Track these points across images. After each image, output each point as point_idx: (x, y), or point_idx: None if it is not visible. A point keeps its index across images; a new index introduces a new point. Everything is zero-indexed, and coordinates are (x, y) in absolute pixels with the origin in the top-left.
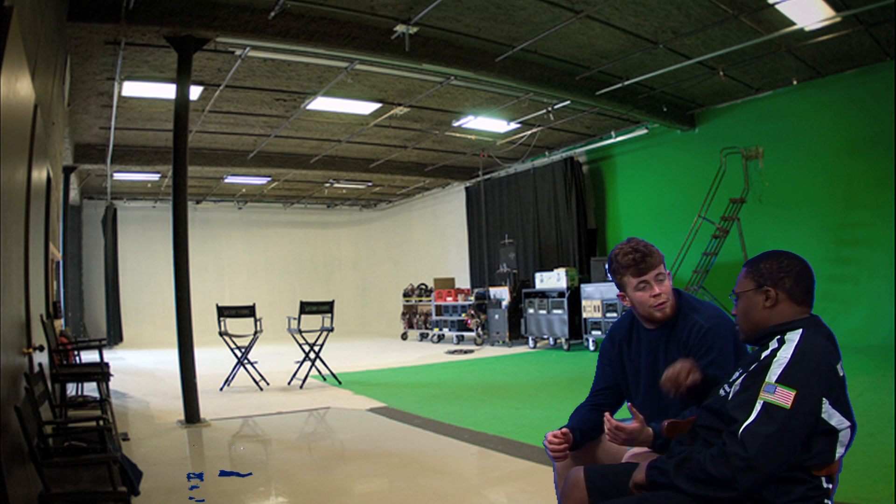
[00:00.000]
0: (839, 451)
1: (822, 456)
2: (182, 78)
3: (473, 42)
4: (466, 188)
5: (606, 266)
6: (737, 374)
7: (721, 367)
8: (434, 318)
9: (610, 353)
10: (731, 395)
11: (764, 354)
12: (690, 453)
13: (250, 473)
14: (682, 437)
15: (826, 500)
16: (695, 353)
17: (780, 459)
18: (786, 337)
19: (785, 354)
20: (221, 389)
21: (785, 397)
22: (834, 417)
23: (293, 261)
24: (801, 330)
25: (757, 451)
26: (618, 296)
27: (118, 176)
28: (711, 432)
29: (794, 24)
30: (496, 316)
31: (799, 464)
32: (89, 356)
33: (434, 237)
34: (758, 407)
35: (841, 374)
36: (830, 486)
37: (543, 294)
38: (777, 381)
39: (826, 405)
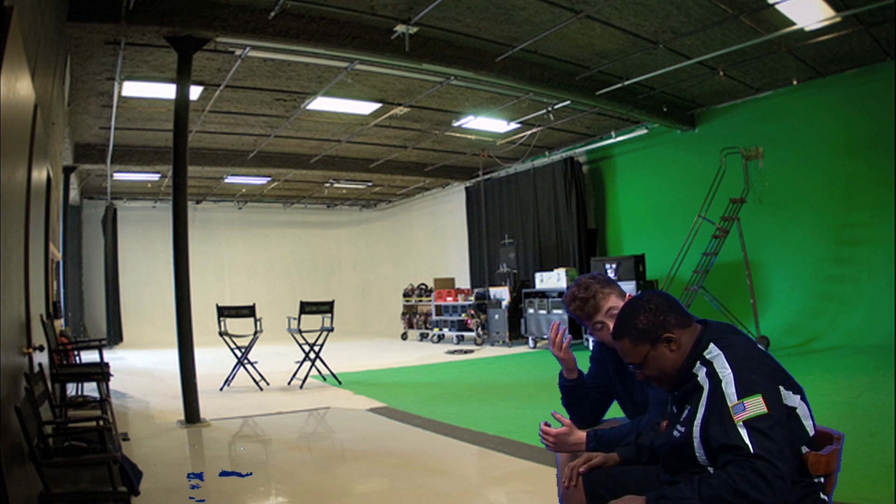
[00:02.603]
0: (808, 424)
1: (797, 438)
2: (182, 78)
3: (473, 42)
4: (466, 188)
5: None
6: (686, 411)
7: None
8: (434, 318)
9: (598, 356)
10: (696, 431)
11: (703, 381)
12: (706, 479)
13: (250, 473)
14: (667, 464)
15: (822, 496)
16: None
17: (789, 458)
18: (707, 358)
19: (726, 372)
20: (221, 389)
21: (757, 405)
22: (788, 398)
23: (293, 261)
24: (711, 343)
25: (783, 463)
26: (589, 333)
27: (118, 176)
28: (690, 471)
29: (794, 24)
30: (496, 316)
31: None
32: (89, 356)
33: (434, 237)
34: (743, 430)
35: (768, 354)
36: (821, 479)
37: (543, 294)
38: (740, 398)
39: (782, 390)
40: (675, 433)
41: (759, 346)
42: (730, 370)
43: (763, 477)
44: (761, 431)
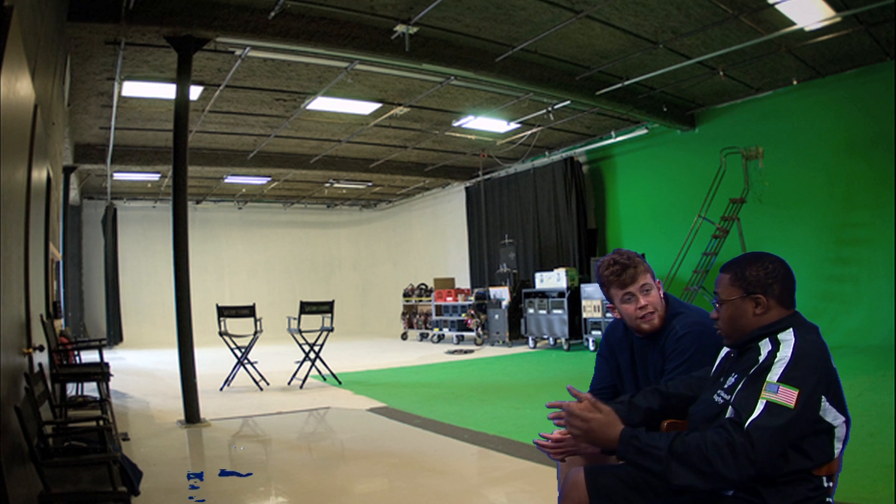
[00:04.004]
0: (837, 447)
1: (822, 456)
2: (182, 78)
3: (473, 42)
4: (466, 188)
5: (596, 280)
6: (731, 378)
7: (688, 373)
8: (434, 318)
9: (606, 354)
10: (733, 399)
11: (762, 357)
12: (681, 437)
13: (250, 473)
14: None
15: (828, 500)
16: (670, 359)
17: (775, 457)
18: (779, 338)
19: (785, 354)
20: (221, 389)
21: (788, 396)
22: (830, 413)
23: (293, 261)
24: (791, 329)
25: (763, 450)
26: (608, 307)
27: (118, 176)
28: None
29: (794, 24)
30: (496, 316)
31: (802, 469)
32: (89, 356)
33: (434, 237)
34: (760, 406)
35: (834, 369)
36: (831, 484)
37: (543, 294)
38: (779, 381)
39: (824, 402)
40: (717, 399)
41: (833, 362)
42: (789, 355)
43: (734, 452)
44: (772, 417)
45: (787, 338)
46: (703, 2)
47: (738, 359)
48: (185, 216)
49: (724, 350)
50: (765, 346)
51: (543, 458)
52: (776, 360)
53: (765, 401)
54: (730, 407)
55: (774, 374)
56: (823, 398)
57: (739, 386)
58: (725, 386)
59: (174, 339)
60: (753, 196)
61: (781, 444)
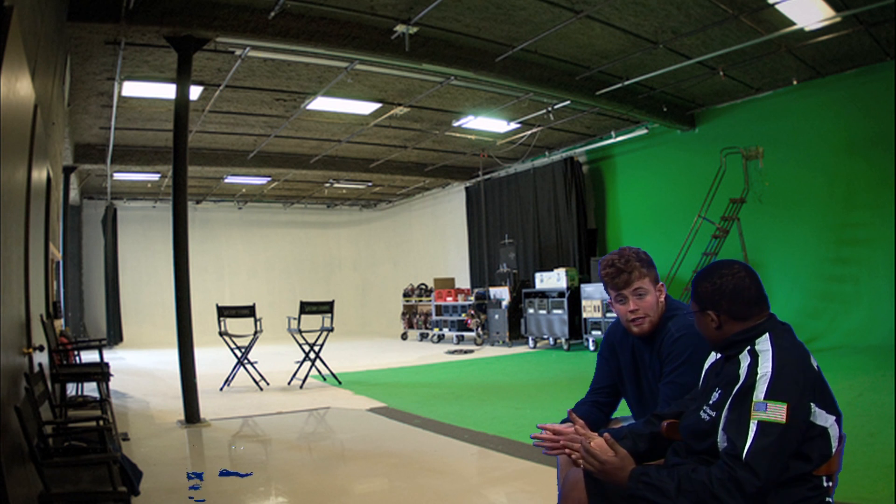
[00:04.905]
0: (834, 444)
1: (821, 457)
2: (182, 78)
3: (473, 42)
4: (466, 188)
5: None
6: (715, 394)
7: (684, 376)
8: (434, 318)
9: (607, 354)
10: (722, 421)
11: (742, 372)
12: (688, 473)
13: (250, 473)
14: (677, 447)
15: (827, 499)
16: (666, 362)
17: (780, 471)
18: (756, 347)
19: (766, 368)
20: (221, 389)
21: (778, 412)
22: (820, 417)
23: (293, 261)
24: (767, 335)
25: (766, 473)
26: (608, 303)
27: (118, 176)
28: (700, 456)
29: (794, 24)
30: (496, 316)
31: (803, 473)
32: (89, 356)
33: (434, 237)
34: (753, 427)
35: (816, 368)
36: (830, 483)
37: (543, 294)
38: (766, 398)
39: (814, 408)
40: (704, 416)
41: (813, 360)
42: (770, 370)
43: (739, 486)
44: (767, 437)
45: (765, 347)
46: (703, 2)
47: (722, 370)
48: (185, 216)
49: (709, 361)
50: (744, 360)
51: (543, 459)
52: (758, 376)
53: (756, 421)
54: (721, 432)
55: (760, 393)
56: (813, 405)
57: (726, 407)
58: (710, 402)
59: (174, 339)
60: (753, 196)
61: (782, 459)
